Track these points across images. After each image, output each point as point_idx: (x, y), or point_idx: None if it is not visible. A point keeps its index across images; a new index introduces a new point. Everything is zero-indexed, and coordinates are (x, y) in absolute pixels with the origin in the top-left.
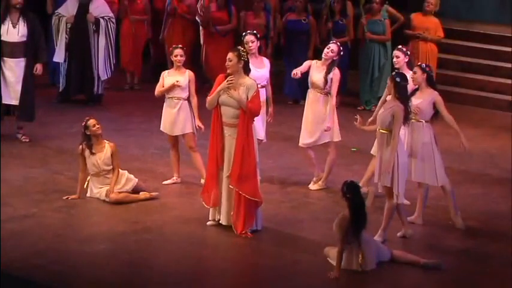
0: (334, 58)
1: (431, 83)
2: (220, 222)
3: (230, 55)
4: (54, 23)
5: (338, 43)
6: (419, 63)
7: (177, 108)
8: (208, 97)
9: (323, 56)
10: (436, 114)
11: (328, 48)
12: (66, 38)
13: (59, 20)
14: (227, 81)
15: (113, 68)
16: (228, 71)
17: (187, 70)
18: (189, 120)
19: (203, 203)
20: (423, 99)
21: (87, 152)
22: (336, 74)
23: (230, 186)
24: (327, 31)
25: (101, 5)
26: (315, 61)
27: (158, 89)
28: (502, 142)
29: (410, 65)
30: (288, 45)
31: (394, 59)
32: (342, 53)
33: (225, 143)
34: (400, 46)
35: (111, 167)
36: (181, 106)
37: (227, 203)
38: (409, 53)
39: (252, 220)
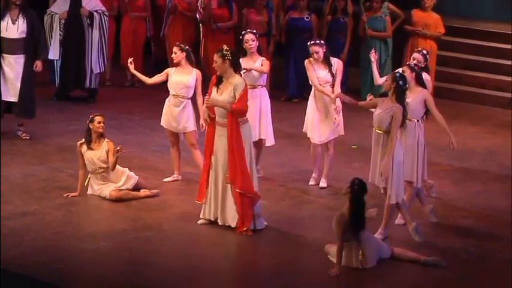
0: (325, 55)
1: (420, 82)
2: (217, 221)
3: (215, 57)
4: (47, 22)
5: (318, 40)
6: (408, 63)
7: (181, 107)
8: (206, 100)
9: (313, 59)
10: (427, 113)
11: (316, 53)
12: (60, 34)
13: (52, 18)
14: (205, 102)
15: (106, 62)
16: (218, 73)
17: (195, 69)
18: (191, 118)
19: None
20: (413, 99)
21: (84, 148)
22: (337, 62)
23: (226, 182)
24: (326, 25)
25: None
26: (309, 60)
27: (155, 80)
28: (502, 139)
29: (426, 69)
30: (290, 43)
31: (414, 56)
32: (325, 47)
33: (217, 143)
34: (425, 51)
35: (107, 164)
36: (185, 105)
37: (222, 203)
38: (429, 60)
39: (250, 217)
